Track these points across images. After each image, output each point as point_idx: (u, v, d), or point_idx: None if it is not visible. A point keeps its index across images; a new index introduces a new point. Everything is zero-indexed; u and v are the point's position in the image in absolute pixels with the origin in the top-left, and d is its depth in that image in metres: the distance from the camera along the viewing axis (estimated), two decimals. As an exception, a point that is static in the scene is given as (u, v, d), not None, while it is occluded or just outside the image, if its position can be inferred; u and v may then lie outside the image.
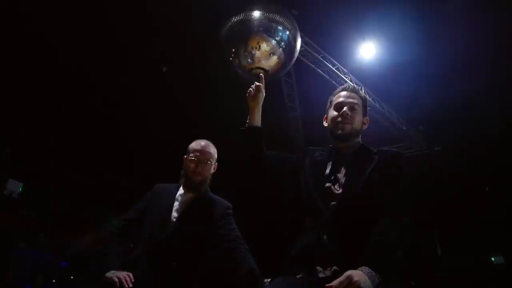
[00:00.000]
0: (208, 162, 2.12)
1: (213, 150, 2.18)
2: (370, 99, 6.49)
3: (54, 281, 8.47)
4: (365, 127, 1.74)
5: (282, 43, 1.88)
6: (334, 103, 1.72)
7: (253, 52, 1.84)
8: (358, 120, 1.69)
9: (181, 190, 2.15)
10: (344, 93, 1.73)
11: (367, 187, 1.51)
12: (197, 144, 2.16)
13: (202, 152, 2.12)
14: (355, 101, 1.69)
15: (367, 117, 1.76)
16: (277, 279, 1.48)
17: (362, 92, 1.78)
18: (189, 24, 5.50)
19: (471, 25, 5.13)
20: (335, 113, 1.69)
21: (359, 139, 1.72)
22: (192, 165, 2.09)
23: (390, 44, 5.75)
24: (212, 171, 2.19)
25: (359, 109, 1.70)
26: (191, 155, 2.12)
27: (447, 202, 8.46)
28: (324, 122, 1.78)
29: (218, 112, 6.89)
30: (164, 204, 2.09)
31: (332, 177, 1.60)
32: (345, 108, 1.66)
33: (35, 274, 7.98)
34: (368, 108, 1.78)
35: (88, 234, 8.21)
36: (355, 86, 1.83)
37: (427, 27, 5.34)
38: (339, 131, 1.65)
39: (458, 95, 6.14)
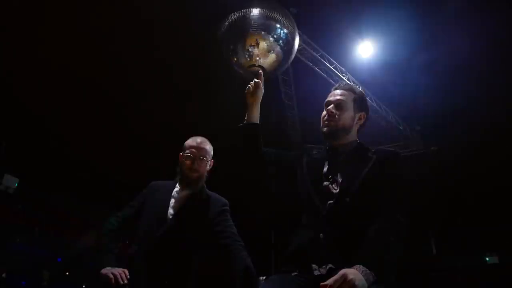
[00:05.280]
0: (204, 158, 2.11)
1: (209, 147, 2.17)
2: (367, 98, 6.48)
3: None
4: (360, 122, 1.71)
5: (280, 41, 1.87)
6: (325, 101, 1.73)
7: (251, 49, 1.84)
8: (346, 116, 1.66)
9: (177, 187, 2.14)
10: (335, 91, 1.73)
11: (364, 186, 1.50)
12: (193, 140, 2.15)
13: (198, 148, 2.11)
14: (342, 98, 1.68)
15: (363, 113, 1.73)
16: (272, 276, 1.49)
17: (358, 88, 1.76)
18: (187, 21, 5.48)
19: (470, 25, 5.14)
20: (324, 111, 1.70)
21: (352, 136, 1.69)
22: (188, 162, 2.09)
23: (388, 43, 5.76)
24: (208, 168, 2.18)
25: (348, 105, 1.68)
26: (187, 151, 2.11)
27: (442, 201, 8.50)
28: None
29: (217, 109, 6.88)
30: (160, 201, 2.08)
31: (330, 176, 1.59)
32: (330, 106, 1.67)
33: (29, 269, 7.96)
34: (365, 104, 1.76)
35: (86, 235, 8.20)
36: (348, 83, 1.82)
37: (425, 27, 5.36)
38: (324, 129, 1.67)
39: (456, 95, 6.17)
